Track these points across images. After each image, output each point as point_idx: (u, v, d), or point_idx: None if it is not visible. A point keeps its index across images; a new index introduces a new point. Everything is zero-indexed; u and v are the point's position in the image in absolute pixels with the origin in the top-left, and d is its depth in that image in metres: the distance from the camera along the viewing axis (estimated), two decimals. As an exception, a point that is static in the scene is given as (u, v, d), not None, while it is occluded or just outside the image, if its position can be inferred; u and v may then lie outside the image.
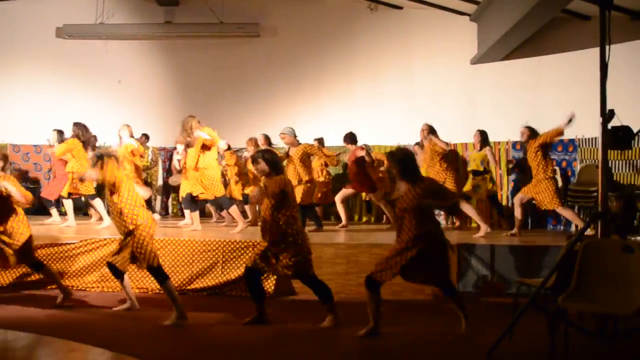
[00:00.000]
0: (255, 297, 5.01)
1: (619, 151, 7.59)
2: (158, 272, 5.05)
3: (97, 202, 8.23)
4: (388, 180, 8.81)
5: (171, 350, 4.28)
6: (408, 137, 9.60)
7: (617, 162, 8.16)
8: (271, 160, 4.96)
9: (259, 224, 5.12)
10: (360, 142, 8.39)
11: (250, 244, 6.26)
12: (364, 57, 10.65)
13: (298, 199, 7.28)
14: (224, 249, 6.27)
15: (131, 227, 4.95)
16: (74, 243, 6.47)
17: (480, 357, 4.07)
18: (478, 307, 5.78)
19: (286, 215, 4.79)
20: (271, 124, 9.70)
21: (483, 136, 8.10)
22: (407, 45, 10.47)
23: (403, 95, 10.33)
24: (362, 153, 8.05)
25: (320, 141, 9.09)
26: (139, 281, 6.28)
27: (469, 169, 8.35)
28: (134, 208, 4.98)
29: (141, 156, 8.80)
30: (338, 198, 8.55)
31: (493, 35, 8.81)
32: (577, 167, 8.58)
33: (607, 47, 4.14)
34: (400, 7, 10.59)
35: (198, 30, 11.06)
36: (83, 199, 8.60)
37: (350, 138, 8.38)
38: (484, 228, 7.36)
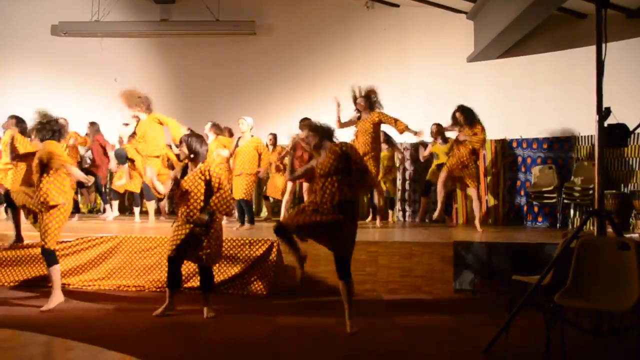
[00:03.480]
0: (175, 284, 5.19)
1: (615, 149, 7.67)
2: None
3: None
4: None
5: (169, 349, 4.28)
6: (404, 134, 9.60)
7: (612, 160, 8.18)
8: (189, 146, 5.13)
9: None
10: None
11: (247, 241, 6.26)
12: (360, 55, 10.66)
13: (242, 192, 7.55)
14: (221, 247, 6.26)
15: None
16: (70, 241, 6.45)
17: (477, 354, 4.08)
18: (474, 305, 5.80)
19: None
20: (267, 121, 9.71)
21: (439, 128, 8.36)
22: (404, 43, 10.48)
23: (399, 93, 10.32)
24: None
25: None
26: (135, 279, 6.28)
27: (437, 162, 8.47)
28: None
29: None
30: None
31: (489, 33, 8.82)
32: (574, 165, 8.60)
33: (603, 45, 4.15)
34: (396, 5, 10.60)
35: (194, 28, 11.04)
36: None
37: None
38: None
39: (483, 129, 7.49)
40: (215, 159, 7.93)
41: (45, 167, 5.25)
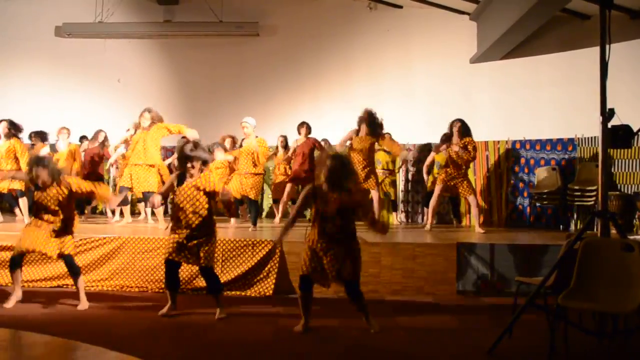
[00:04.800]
0: (173, 286, 5.23)
1: (620, 150, 7.65)
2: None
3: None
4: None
5: (171, 349, 4.28)
6: (407, 135, 9.62)
7: (618, 161, 8.15)
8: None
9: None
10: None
11: (250, 242, 6.26)
12: (364, 56, 10.65)
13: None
14: (223, 247, 6.26)
15: None
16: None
17: (481, 355, 4.07)
18: (478, 306, 5.79)
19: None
20: (270, 123, 9.71)
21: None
22: (407, 44, 10.47)
23: (402, 94, 10.33)
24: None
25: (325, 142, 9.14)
26: (138, 280, 6.28)
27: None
28: None
29: None
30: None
31: (492, 34, 8.81)
32: (577, 166, 8.58)
33: (607, 46, 4.14)
34: (399, 6, 10.59)
35: (197, 29, 11.04)
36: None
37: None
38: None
39: (474, 145, 7.62)
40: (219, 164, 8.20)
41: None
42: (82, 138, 9.74)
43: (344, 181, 4.64)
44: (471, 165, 9.08)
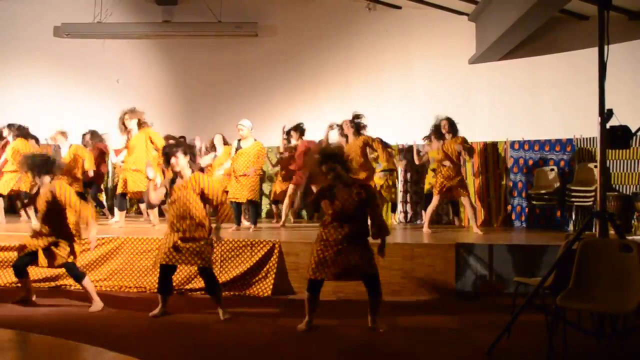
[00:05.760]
0: (166, 290, 5.24)
1: (618, 151, 7.67)
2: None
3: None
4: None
5: (169, 349, 4.28)
6: (407, 136, 9.62)
7: (614, 161, 8.17)
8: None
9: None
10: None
11: (249, 243, 6.26)
12: (363, 57, 10.65)
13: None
14: (222, 248, 6.27)
15: None
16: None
17: (479, 356, 4.08)
18: (476, 306, 5.80)
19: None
20: (269, 123, 9.70)
21: None
22: (406, 45, 10.47)
23: (401, 95, 10.33)
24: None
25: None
26: (137, 280, 6.28)
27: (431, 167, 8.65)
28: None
29: None
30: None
31: (491, 35, 8.81)
32: (575, 166, 8.59)
33: (605, 47, 4.15)
34: (398, 7, 10.59)
35: (196, 29, 11.04)
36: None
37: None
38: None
39: (465, 140, 7.73)
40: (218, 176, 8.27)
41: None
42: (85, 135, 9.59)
43: (347, 164, 4.76)
44: (469, 166, 9.18)
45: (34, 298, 5.54)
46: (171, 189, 5.19)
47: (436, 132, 8.05)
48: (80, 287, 5.50)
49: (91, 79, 11.19)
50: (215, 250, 6.26)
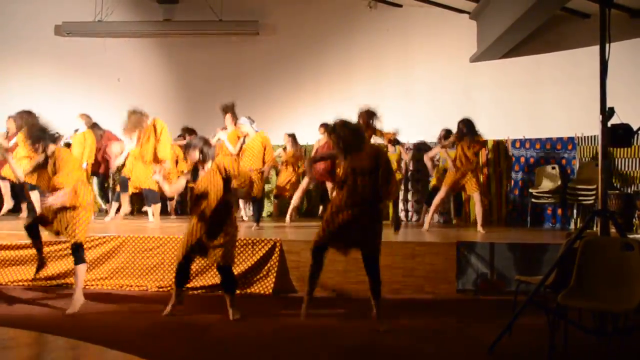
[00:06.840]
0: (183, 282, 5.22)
1: (622, 149, 7.66)
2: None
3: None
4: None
5: (171, 348, 4.28)
6: (408, 134, 9.61)
7: (619, 160, 8.14)
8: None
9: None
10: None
11: (250, 241, 6.26)
12: (364, 55, 10.65)
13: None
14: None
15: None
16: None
17: (480, 354, 4.08)
18: (477, 305, 5.79)
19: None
20: (271, 122, 9.70)
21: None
22: (407, 43, 10.47)
23: (403, 93, 10.32)
24: None
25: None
26: (138, 279, 6.28)
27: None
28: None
29: None
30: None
31: (492, 33, 8.80)
32: (577, 165, 8.58)
33: (607, 45, 4.14)
34: (399, 5, 10.59)
35: (197, 28, 11.04)
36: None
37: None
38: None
39: (484, 141, 7.80)
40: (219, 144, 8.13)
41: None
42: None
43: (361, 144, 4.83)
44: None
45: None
46: (194, 181, 5.18)
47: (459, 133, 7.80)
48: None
49: (92, 78, 11.19)
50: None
